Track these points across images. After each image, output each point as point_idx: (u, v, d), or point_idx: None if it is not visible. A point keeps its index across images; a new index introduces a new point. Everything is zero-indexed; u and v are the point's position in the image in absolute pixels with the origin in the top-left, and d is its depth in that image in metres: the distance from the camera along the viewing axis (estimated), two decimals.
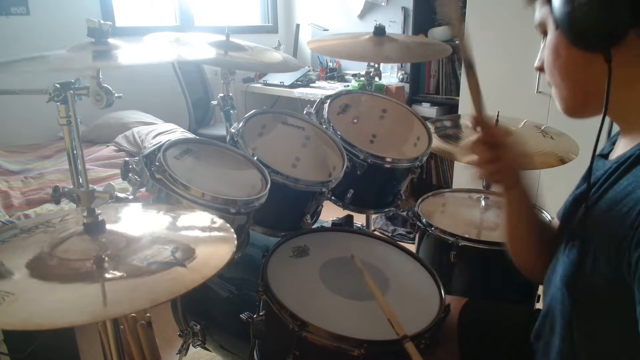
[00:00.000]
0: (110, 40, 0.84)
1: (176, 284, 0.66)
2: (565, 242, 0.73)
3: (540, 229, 0.90)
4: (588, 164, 0.70)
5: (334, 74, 3.90)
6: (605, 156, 0.77)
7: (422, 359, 0.77)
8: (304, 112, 1.43)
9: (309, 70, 3.83)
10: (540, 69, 0.76)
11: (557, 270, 0.75)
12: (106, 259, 0.73)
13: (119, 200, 1.05)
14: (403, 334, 0.81)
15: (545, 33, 0.73)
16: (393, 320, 0.84)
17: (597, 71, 0.65)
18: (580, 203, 0.76)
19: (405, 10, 3.51)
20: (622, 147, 0.71)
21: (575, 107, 0.74)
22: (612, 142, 0.80)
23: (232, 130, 1.25)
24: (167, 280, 0.67)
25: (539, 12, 0.72)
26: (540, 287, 1.39)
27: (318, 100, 1.44)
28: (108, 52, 0.82)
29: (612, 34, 0.61)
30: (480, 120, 0.81)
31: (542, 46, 0.76)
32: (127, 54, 0.84)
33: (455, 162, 2.93)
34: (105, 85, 0.83)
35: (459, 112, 2.84)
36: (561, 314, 0.74)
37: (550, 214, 1.44)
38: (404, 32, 3.51)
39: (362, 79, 1.78)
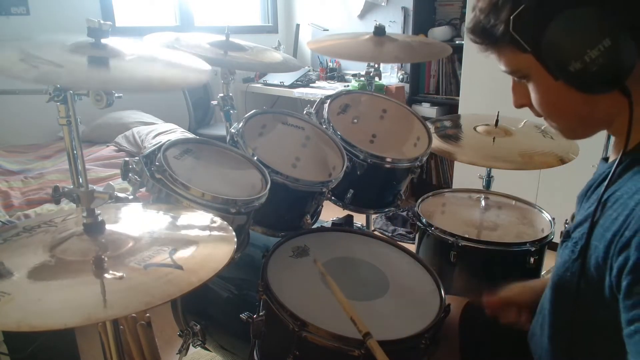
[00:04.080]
0: (109, 46, 0.84)
1: (173, 286, 0.66)
2: (561, 242, 0.74)
3: None
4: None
5: (334, 74, 3.89)
6: (606, 159, 0.77)
7: (385, 356, 0.75)
8: (304, 112, 1.43)
9: (309, 70, 3.83)
10: (523, 106, 0.73)
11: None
12: (105, 259, 0.73)
13: (119, 200, 1.05)
14: (365, 331, 0.80)
15: (522, 77, 0.69)
16: (355, 318, 0.83)
17: (605, 103, 0.64)
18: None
19: (405, 10, 3.51)
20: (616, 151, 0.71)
21: (581, 135, 0.72)
22: None
23: (232, 130, 1.24)
24: (164, 282, 0.67)
25: (510, 59, 0.67)
26: None
27: (318, 100, 1.44)
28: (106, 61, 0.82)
29: (628, 70, 0.58)
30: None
31: (512, 84, 0.73)
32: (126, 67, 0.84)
33: (455, 162, 2.92)
34: None
35: (459, 112, 2.84)
36: (548, 314, 0.74)
37: (550, 213, 1.44)
38: (404, 32, 3.51)
39: (362, 79, 1.79)
